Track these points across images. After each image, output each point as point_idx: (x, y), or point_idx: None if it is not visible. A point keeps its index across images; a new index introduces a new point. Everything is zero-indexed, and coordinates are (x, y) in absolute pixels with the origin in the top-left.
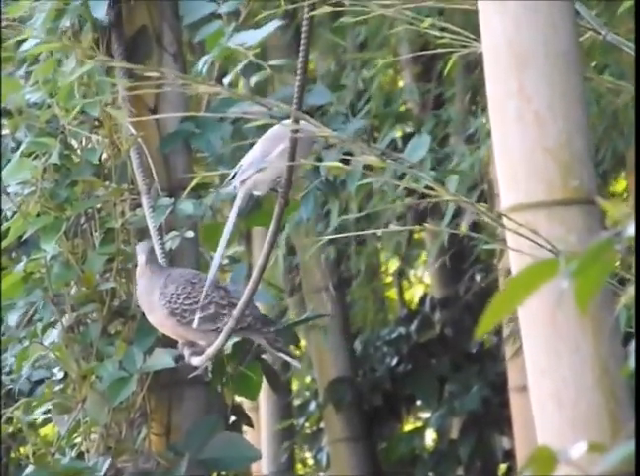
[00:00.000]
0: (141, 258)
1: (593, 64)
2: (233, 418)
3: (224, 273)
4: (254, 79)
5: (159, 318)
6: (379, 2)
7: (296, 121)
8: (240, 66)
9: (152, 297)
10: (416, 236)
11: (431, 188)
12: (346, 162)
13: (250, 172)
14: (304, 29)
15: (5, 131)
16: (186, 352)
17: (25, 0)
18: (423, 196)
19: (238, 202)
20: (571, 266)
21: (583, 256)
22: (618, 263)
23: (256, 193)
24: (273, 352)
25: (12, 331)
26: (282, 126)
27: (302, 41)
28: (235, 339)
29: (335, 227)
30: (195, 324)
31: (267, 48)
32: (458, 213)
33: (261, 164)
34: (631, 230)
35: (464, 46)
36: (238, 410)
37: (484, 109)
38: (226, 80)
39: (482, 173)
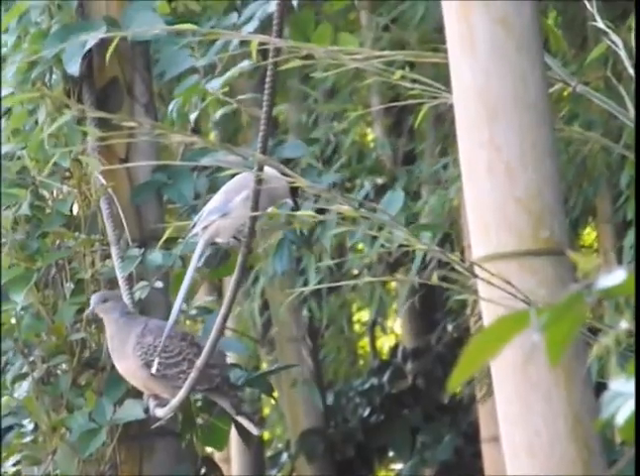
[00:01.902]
0: (92, 307)
1: (562, 114)
2: (204, 470)
3: (195, 323)
4: (219, 113)
5: (131, 368)
6: (349, 56)
7: (260, 168)
8: (205, 103)
9: (126, 346)
10: (388, 287)
11: (403, 241)
12: (319, 213)
13: (212, 218)
14: (268, 76)
15: None
16: (151, 403)
17: None
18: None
19: (199, 249)
20: (542, 319)
21: (554, 309)
22: (589, 314)
23: (218, 240)
24: (235, 416)
25: None
26: (246, 174)
27: (266, 90)
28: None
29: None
30: (154, 369)
31: (236, 92)
32: (429, 263)
33: (223, 211)
34: (601, 283)
35: (434, 97)
36: (208, 461)
37: (455, 159)
38: (192, 116)
39: (452, 219)
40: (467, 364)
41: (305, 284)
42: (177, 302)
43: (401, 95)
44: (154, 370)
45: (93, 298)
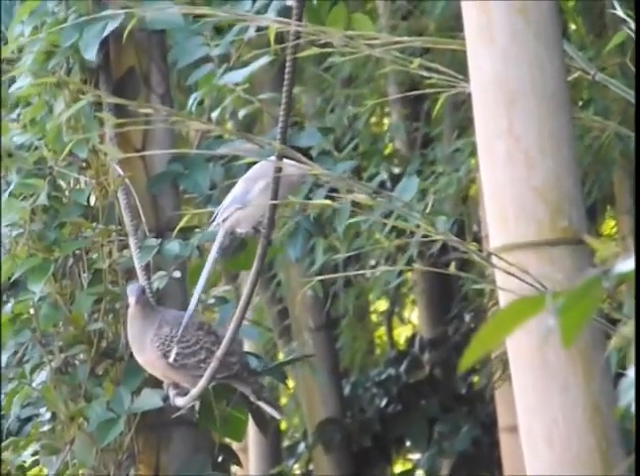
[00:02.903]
0: (131, 299)
1: (579, 102)
2: (221, 458)
3: (212, 313)
4: (242, 113)
5: (150, 359)
6: (367, 41)
7: (280, 158)
8: (227, 101)
9: (144, 338)
10: (405, 276)
11: (419, 230)
12: (333, 200)
13: (231, 209)
14: (288, 68)
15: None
16: (171, 393)
17: (13, 42)
18: (412, 236)
19: (218, 240)
20: (557, 302)
21: (570, 293)
22: (608, 303)
23: (239, 231)
24: (256, 402)
25: (2, 371)
26: (264, 163)
27: (286, 81)
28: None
29: (323, 266)
30: (171, 359)
31: (254, 84)
32: (445, 252)
33: (242, 201)
34: (619, 268)
35: (452, 86)
36: (226, 449)
37: (469, 144)
38: (214, 115)
39: (469, 208)
40: (480, 343)
41: (320, 272)
42: (196, 293)
43: (418, 83)
44: (171, 359)
45: (132, 290)
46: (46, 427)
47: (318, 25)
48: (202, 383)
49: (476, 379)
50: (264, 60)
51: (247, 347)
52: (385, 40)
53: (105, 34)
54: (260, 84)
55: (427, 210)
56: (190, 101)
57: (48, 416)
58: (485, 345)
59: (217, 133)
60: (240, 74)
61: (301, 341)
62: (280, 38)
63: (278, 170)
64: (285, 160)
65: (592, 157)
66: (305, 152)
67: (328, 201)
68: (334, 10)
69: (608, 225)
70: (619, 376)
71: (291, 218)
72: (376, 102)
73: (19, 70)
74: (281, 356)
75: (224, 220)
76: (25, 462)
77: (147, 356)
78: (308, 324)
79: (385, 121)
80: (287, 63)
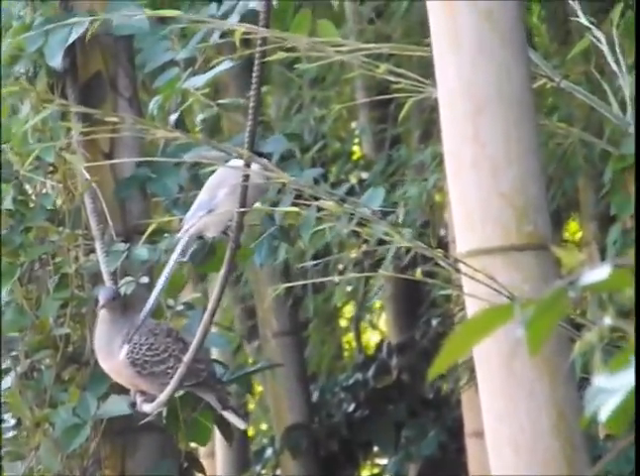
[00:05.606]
0: (101, 301)
1: (544, 109)
2: (186, 465)
3: (180, 318)
4: (201, 117)
5: (116, 366)
6: (334, 48)
7: (247, 164)
8: (186, 105)
9: (112, 345)
10: (373, 282)
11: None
12: (299, 207)
13: (199, 215)
14: (255, 74)
15: None
16: (138, 399)
17: None
18: (380, 243)
19: (180, 245)
20: (525, 313)
21: (537, 303)
22: (573, 309)
23: (208, 235)
24: (221, 410)
25: None
26: (227, 167)
27: (252, 88)
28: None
29: (291, 268)
30: (122, 356)
31: (218, 85)
32: (413, 258)
33: (209, 207)
34: (585, 279)
35: (418, 91)
36: (191, 456)
37: (435, 148)
38: (172, 117)
39: (434, 212)
40: (449, 352)
41: (286, 275)
42: (154, 295)
43: (386, 87)
44: (122, 356)
45: (104, 294)
46: (10, 433)
47: (282, 29)
48: (169, 389)
49: (443, 384)
50: (225, 65)
51: (214, 353)
52: (353, 45)
53: (70, 41)
54: (224, 85)
55: (399, 220)
56: (151, 105)
57: (13, 421)
58: (454, 354)
59: (184, 140)
60: (201, 79)
61: (268, 345)
62: (246, 41)
63: (246, 175)
64: (254, 165)
65: (556, 163)
66: (266, 156)
67: (295, 208)
68: (299, 15)
69: (571, 229)
70: (583, 381)
71: (258, 224)
72: (344, 106)
73: None
74: (248, 358)
75: (190, 227)
76: None
77: (113, 363)
78: (275, 329)
79: (353, 124)
80: (255, 70)
